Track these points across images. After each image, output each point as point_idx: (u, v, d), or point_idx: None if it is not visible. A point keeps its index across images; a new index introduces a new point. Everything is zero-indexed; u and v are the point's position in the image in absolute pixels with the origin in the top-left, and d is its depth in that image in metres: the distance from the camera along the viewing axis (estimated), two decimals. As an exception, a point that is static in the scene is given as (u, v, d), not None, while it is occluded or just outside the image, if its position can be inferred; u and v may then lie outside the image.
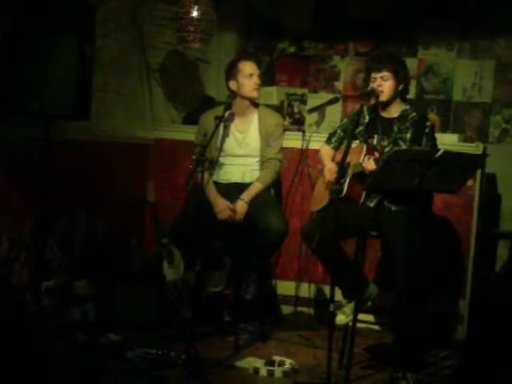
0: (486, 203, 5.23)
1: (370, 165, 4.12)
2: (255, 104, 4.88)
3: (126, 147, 5.56)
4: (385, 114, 4.38)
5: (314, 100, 6.32)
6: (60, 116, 4.31)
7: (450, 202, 5.06)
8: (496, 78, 5.94)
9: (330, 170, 4.40)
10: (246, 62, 4.80)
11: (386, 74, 4.28)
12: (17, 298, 4.39)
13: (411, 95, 5.82)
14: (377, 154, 4.12)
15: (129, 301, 4.84)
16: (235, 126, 4.83)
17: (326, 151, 4.59)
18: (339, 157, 4.29)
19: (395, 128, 4.33)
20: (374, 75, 4.31)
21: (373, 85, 4.29)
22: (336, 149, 4.57)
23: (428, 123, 4.31)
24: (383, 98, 4.30)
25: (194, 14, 5.44)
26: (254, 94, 4.81)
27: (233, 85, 4.80)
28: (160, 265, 5.18)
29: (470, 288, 5.08)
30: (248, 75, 4.76)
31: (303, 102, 6.38)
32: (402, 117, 4.34)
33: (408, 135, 4.29)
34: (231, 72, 4.80)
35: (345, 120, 4.71)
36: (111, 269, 5.12)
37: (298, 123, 6.25)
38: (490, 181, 5.48)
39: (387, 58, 4.38)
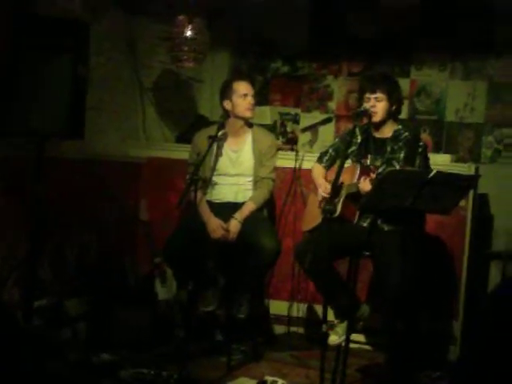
0: (479, 224, 5.24)
1: (366, 185, 4.11)
2: (249, 124, 4.89)
3: (119, 166, 5.56)
4: (377, 134, 4.40)
5: (307, 119, 6.32)
6: (54, 135, 4.30)
7: (442, 222, 5.05)
8: (488, 99, 5.96)
9: (324, 186, 4.40)
10: (241, 82, 4.80)
11: (379, 95, 4.30)
12: (8, 316, 4.36)
13: (403, 115, 5.82)
14: (373, 175, 4.12)
15: (121, 320, 4.82)
16: (229, 146, 4.84)
17: (319, 170, 4.60)
18: (331, 176, 4.31)
19: (388, 148, 4.34)
20: (367, 95, 4.32)
21: (365, 105, 4.30)
22: (327, 168, 4.58)
23: (421, 143, 4.33)
24: (376, 118, 4.32)
25: (188, 33, 5.45)
26: (247, 114, 4.82)
27: (227, 104, 4.81)
28: (153, 284, 5.16)
29: (462, 309, 5.08)
30: (242, 95, 4.77)
31: (296, 121, 6.39)
32: (395, 137, 4.36)
33: (401, 155, 4.30)
34: (225, 92, 4.81)
35: (336, 140, 4.72)
36: (104, 287, 5.10)
37: (291, 143, 6.26)
38: (482, 201, 5.49)
39: (382, 79, 4.39)
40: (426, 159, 4.31)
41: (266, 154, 4.84)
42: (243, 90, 4.77)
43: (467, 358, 4.58)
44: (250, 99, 4.78)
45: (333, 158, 4.57)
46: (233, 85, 4.80)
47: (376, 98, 4.30)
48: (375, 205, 3.96)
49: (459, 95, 6.01)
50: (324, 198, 4.36)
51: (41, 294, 4.64)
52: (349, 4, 6.13)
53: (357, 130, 4.44)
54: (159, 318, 5.02)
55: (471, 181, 4.22)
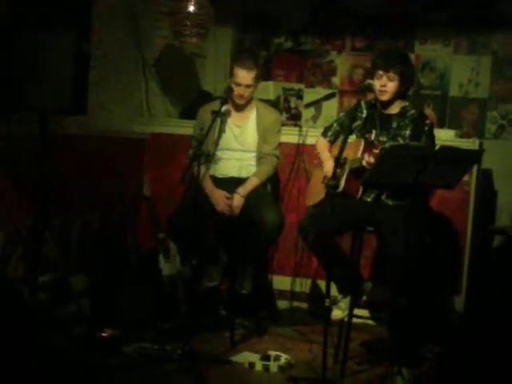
0: (482, 199, 5.24)
1: (370, 161, 4.08)
2: (253, 100, 4.88)
3: (123, 142, 5.56)
4: (384, 110, 4.36)
5: (310, 95, 6.30)
6: (57, 111, 4.28)
7: (446, 198, 5.06)
8: (493, 74, 5.94)
9: (328, 165, 4.38)
10: (240, 70, 4.75)
11: (392, 74, 4.23)
12: (13, 291, 4.38)
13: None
14: (376, 151, 4.09)
15: (124, 295, 4.83)
16: (233, 121, 4.83)
17: (323, 144, 4.58)
18: (335, 151, 4.30)
19: (394, 124, 4.32)
20: (380, 73, 4.26)
21: (369, 80, 4.26)
22: (332, 142, 4.56)
23: (427, 121, 4.30)
24: (385, 97, 4.27)
25: (191, 8, 5.43)
26: (237, 100, 4.81)
27: (230, 81, 4.81)
28: (156, 259, 5.17)
29: (465, 283, 5.09)
30: (237, 82, 4.76)
31: (300, 97, 6.37)
32: (402, 113, 4.33)
33: (407, 132, 4.28)
34: (230, 69, 4.82)
35: (341, 114, 4.69)
36: (107, 263, 5.12)
37: (295, 118, 6.25)
38: (486, 176, 5.49)
39: (397, 58, 4.31)
40: (432, 137, 4.28)
41: (270, 130, 4.84)
42: (239, 79, 4.75)
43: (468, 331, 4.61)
44: (242, 89, 4.75)
45: (337, 133, 4.54)
46: (235, 67, 4.78)
47: (388, 76, 4.25)
48: (379, 180, 3.94)
49: (463, 70, 5.99)
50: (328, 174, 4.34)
51: (45, 269, 4.65)
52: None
53: (362, 105, 4.41)
54: (163, 294, 5.03)
55: (475, 156, 4.22)
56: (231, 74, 4.80)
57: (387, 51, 4.78)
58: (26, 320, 4.18)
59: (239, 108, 4.86)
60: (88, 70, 4.47)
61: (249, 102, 4.87)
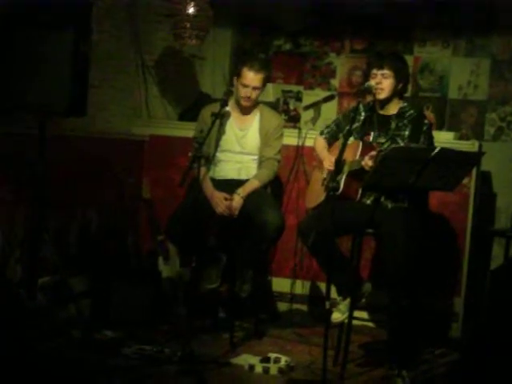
0: (481, 201, 5.24)
1: (368, 162, 4.09)
2: (257, 103, 4.88)
3: (122, 143, 5.55)
4: (382, 111, 4.38)
5: (309, 97, 6.31)
6: (56, 112, 4.28)
7: (445, 200, 5.06)
8: (492, 76, 5.95)
9: (328, 159, 4.38)
10: (248, 72, 4.73)
11: (386, 71, 4.27)
12: (13, 294, 4.38)
13: (407, 93, 5.82)
14: (374, 152, 4.10)
15: (124, 297, 4.83)
16: (236, 123, 4.83)
17: (321, 143, 4.59)
18: (334, 153, 4.30)
19: (393, 125, 4.33)
20: (374, 71, 4.30)
21: (369, 82, 4.28)
22: (328, 141, 4.57)
23: (426, 121, 4.32)
24: (382, 95, 4.30)
25: (190, 10, 5.43)
26: (241, 102, 4.80)
27: (235, 81, 4.80)
28: (155, 261, 5.17)
29: (465, 285, 5.09)
30: (244, 84, 4.75)
31: (299, 99, 6.38)
32: (400, 114, 4.35)
33: (406, 132, 4.29)
34: (238, 69, 4.81)
35: (339, 115, 4.71)
36: (106, 265, 5.11)
37: (294, 120, 6.25)
38: (485, 179, 5.49)
39: (390, 56, 4.37)
40: (431, 138, 4.30)
41: (273, 134, 4.84)
42: (247, 80, 4.73)
43: (471, 335, 4.61)
44: (249, 91, 4.74)
45: (334, 132, 4.56)
46: (243, 69, 4.75)
47: (383, 74, 4.28)
48: (378, 182, 3.94)
49: (462, 72, 6.00)
50: (329, 172, 4.34)
51: (44, 271, 4.64)
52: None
53: (360, 107, 4.43)
54: (162, 296, 5.03)
55: (475, 158, 4.22)
56: (239, 76, 4.77)
57: (380, 51, 4.89)
58: (25, 322, 4.17)
59: (243, 111, 4.85)
60: (87, 71, 4.45)
61: (254, 105, 4.86)
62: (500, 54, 5.90)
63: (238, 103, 4.83)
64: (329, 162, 4.36)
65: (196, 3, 5.42)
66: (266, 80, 4.84)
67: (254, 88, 4.75)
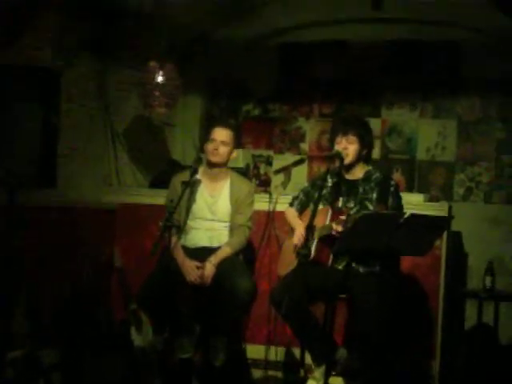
0: (453, 262, 5.25)
1: (338, 228, 4.11)
2: (227, 170, 4.88)
3: (93, 212, 5.52)
4: (349, 176, 4.42)
5: (279, 161, 6.35)
6: (25, 184, 4.27)
7: (417, 262, 5.06)
8: (459, 137, 6.02)
9: (299, 232, 4.39)
10: (216, 128, 4.79)
11: (351, 137, 4.32)
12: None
13: (376, 155, 5.89)
14: (342, 217, 4.11)
15: (96, 368, 4.76)
16: (207, 190, 4.83)
17: (292, 213, 4.61)
18: (304, 220, 4.31)
19: (360, 189, 4.36)
20: (339, 137, 4.34)
21: (338, 148, 4.32)
22: (299, 212, 4.59)
23: (392, 182, 4.36)
24: (347, 160, 4.34)
25: (159, 79, 5.48)
26: (209, 157, 4.79)
27: (205, 147, 4.83)
28: (128, 331, 5.11)
29: (439, 348, 5.07)
30: (212, 139, 4.77)
31: (269, 163, 6.41)
32: (367, 178, 4.39)
33: (374, 195, 4.32)
34: (208, 133, 4.85)
35: (306, 184, 4.74)
36: (78, 336, 5.04)
37: (265, 185, 6.27)
38: (456, 239, 5.51)
39: (354, 122, 4.43)
40: (399, 198, 4.33)
41: (244, 201, 4.84)
42: (214, 135, 4.77)
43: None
44: (217, 144, 4.77)
45: (303, 202, 4.60)
46: (211, 128, 4.82)
47: (347, 140, 4.33)
48: (349, 248, 3.95)
49: (430, 134, 6.09)
50: (299, 242, 4.34)
51: (14, 345, 4.56)
52: (317, 46, 6.20)
53: (327, 174, 4.46)
54: (135, 366, 4.96)
55: (444, 222, 4.24)
56: (208, 137, 4.80)
57: (344, 116, 4.94)
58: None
59: (213, 177, 4.85)
60: (56, 141, 4.45)
61: (222, 170, 4.86)
62: (466, 115, 5.99)
63: (208, 166, 4.82)
64: (298, 235, 4.37)
65: (164, 72, 5.47)
66: (234, 140, 4.84)
67: (222, 142, 4.76)
